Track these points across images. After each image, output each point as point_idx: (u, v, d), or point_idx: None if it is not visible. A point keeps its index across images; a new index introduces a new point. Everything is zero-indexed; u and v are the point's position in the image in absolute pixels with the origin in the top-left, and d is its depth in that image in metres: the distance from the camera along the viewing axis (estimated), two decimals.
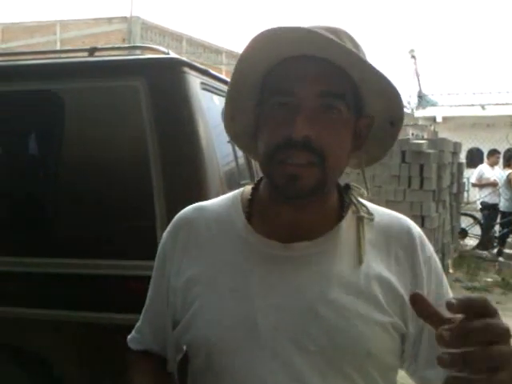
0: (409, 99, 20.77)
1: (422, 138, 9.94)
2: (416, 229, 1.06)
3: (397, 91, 0.97)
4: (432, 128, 17.66)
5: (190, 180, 2.32)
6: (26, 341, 2.44)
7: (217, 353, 0.98)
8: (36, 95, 2.59)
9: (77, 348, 2.42)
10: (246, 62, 0.97)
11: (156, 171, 2.31)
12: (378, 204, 1.11)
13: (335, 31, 0.95)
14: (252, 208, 1.05)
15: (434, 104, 19.87)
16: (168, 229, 1.13)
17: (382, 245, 1.02)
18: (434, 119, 19.24)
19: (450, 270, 8.07)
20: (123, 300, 2.24)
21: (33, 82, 2.59)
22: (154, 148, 2.32)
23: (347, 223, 1.02)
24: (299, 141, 0.89)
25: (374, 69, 0.93)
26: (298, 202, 0.97)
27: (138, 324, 1.21)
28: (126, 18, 18.68)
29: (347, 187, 1.08)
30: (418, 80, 20.38)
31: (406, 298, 0.95)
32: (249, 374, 0.95)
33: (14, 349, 2.46)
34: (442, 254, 7.91)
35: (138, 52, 3.80)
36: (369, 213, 1.05)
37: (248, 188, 1.11)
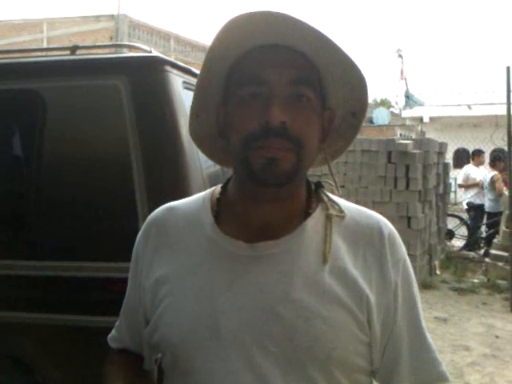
0: (396, 99, 20.83)
1: (410, 139, 9.96)
2: (388, 229, 1.03)
3: (363, 78, 0.98)
4: (419, 128, 17.73)
5: (172, 180, 2.30)
6: (9, 345, 2.41)
7: (180, 353, 0.98)
8: (17, 94, 2.56)
9: (58, 351, 2.39)
10: (212, 56, 0.96)
11: (138, 170, 2.29)
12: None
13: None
14: (220, 208, 1.05)
15: (421, 104, 19.92)
16: (141, 230, 1.14)
17: (351, 243, 1.00)
18: (421, 119, 19.32)
19: (437, 271, 8.11)
20: (105, 302, 2.20)
21: (14, 81, 2.56)
22: (136, 147, 2.30)
23: (314, 221, 1.01)
24: (276, 126, 0.89)
25: (342, 51, 0.93)
26: (270, 191, 0.95)
27: (117, 322, 1.23)
28: (113, 16, 18.61)
29: (318, 185, 1.07)
30: (405, 80, 20.42)
31: (372, 298, 0.96)
32: (211, 375, 0.95)
33: None
34: (429, 254, 7.93)
35: (124, 50, 3.77)
36: (340, 210, 1.03)
37: (218, 188, 1.11)
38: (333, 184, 1.10)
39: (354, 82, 0.98)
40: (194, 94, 1.02)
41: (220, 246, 1.00)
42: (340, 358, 0.93)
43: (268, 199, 0.98)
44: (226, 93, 1.00)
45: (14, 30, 19.75)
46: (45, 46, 17.28)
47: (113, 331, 1.23)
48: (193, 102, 1.03)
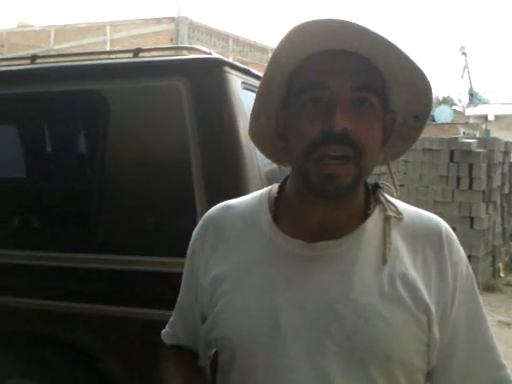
0: (459, 97, 20.27)
1: (474, 137, 9.70)
2: (446, 230, 1.03)
3: (429, 85, 0.97)
4: (484, 127, 17.23)
5: (230, 179, 2.33)
6: (75, 335, 2.50)
7: (240, 351, 1.00)
8: (82, 95, 2.64)
9: (118, 341, 2.45)
10: (275, 60, 0.96)
11: (197, 170, 2.32)
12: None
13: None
14: (278, 207, 1.06)
15: (485, 102, 19.34)
16: (197, 227, 1.15)
17: (409, 244, 1.00)
18: (485, 118, 18.76)
19: (501, 274, 7.86)
20: (163, 296, 2.25)
21: (79, 83, 2.64)
22: (195, 147, 2.33)
23: (373, 222, 1.01)
24: (339, 133, 0.89)
25: (409, 58, 0.92)
26: (331, 201, 0.96)
27: (171, 319, 1.24)
28: (173, 18, 18.95)
29: (376, 186, 1.07)
30: (469, 77, 19.86)
31: (430, 300, 0.96)
32: (272, 371, 0.96)
33: (64, 342, 2.52)
34: (493, 256, 7.71)
35: (185, 52, 3.85)
36: (398, 212, 1.03)
37: (275, 186, 1.11)
38: (390, 186, 1.09)
39: (420, 86, 0.97)
40: (256, 98, 1.03)
41: (278, 245, 1.01)
42: (400, 357, 0.94)
43: (327, 205, 0.98)
44: (287, 97, 1.00)
45: (80, 33, 20.40)
46: (108, 47, 17.83)
47: (166, 327, 1.25)
48: (254, 106, 1.04)
